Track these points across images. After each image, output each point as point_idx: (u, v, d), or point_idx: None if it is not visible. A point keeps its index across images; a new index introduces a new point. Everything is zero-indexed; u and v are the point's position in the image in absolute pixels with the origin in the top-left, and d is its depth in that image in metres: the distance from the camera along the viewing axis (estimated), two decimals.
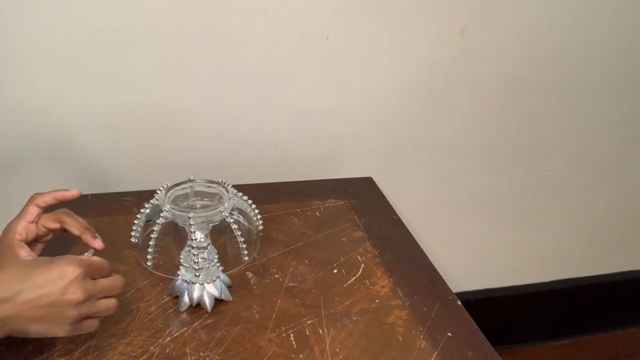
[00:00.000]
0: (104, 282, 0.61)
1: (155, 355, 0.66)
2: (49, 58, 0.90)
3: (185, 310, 0.73)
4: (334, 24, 0.99)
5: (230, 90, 1.00)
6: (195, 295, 0.73)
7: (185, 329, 0.71)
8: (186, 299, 0.73)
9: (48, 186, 0.99)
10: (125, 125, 0.99)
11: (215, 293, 0.73)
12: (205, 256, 0.72)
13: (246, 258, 0.70)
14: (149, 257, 0.68)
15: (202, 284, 0.73)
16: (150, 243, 0.68)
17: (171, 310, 0.73)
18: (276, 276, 0.81)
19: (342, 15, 0.98)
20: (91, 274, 0.60)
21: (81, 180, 1.02)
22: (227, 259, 0.74)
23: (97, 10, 0.88)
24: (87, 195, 0.96)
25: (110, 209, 0.92)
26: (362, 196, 1.03)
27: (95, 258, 0.62)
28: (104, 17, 0.88)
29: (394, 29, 1.02)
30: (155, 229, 0.68)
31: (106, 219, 0.90)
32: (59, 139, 0.97)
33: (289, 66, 1.01)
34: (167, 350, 0.67)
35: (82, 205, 0.93)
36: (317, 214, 0.96)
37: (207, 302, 0.73)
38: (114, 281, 0.62)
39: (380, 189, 1.07)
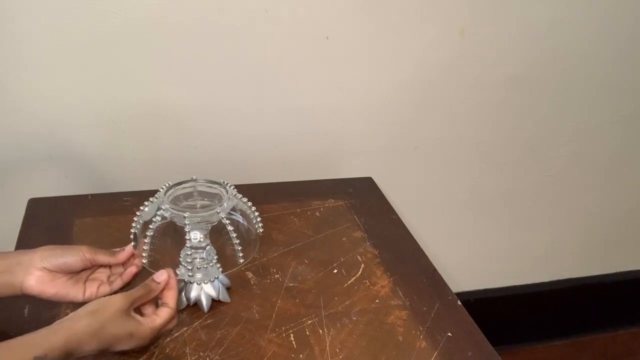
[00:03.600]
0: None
1: (155, 355, 0.66)
2: (49, 58, 0.90)
3: (185, 310, 0.73)
4: (333, 24, 0.99)
5: (230, 90, 1.00)
6: (193, 294, 0.73)
7: (185, 329, 0.71)
8: (183, 297, 0.73)
9: (48, 186, 0.99)
10: (126, 125, 0.99)
11: (213, 293, 0.73)
12: (204, 256, 0.72)
13: (241, 260, 0.70)
14: (144, 254, 0.68)
15: (200, 284, 0.73)
16: (146, 241, 0.68)
17: None
18: (276, 276, 0.81)
19: (342, 15, 0.98)
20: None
21: (81, 180, 1.02)
22: (226, 259, 0.74)
23: (97, 10, 0.88)
24: (87, 195, 0.95)
25: (110, 209, 0.92)
26: (362, 196, 1.03)
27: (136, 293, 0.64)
28: (104, 17, 0.88)
29: (394, 28, 1.02)
30: (151, 227, 0.68)
31: (106, 219, 0.90)
32: (59, 138, 0.97)
33: (288, 66, 1.01)
34: (167, 350, 0.67)
35: (82, 205, 0.93)
36: (317, 214, 0.96)
37: (204, 302, 0.73)
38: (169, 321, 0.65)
39: (380, 189, 1.07)
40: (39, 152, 0.98)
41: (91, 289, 0.68)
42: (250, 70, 0.99)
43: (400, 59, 1.05)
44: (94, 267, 0.70)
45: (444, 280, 0.83)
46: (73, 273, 0.68)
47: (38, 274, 0.65)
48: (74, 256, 0.66)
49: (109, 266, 0.71)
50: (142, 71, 0.94)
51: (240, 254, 0.70)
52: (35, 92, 0.92)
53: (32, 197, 0.93)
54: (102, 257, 0.68)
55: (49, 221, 0.88)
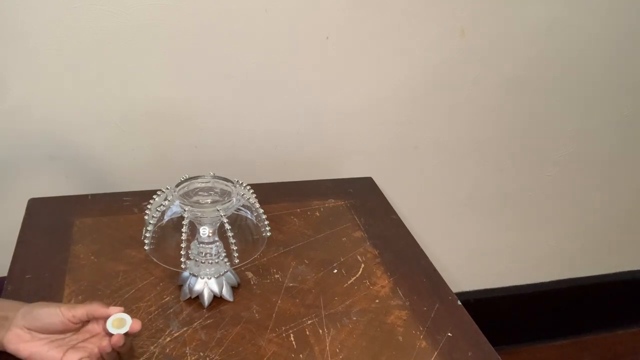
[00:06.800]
0: None
1: (155, 355, 0.66)
2: (50, 58, 0.90)
3: (185, 311, 0.73)
4: (334, 23, 0.99)
5: (230, 90, 1.00)
6: (196, 288, 0.73)
7: (185, 329, 0.71)
8: (187, 289, 0.74)
9: (48, 186, 0.99)
10: (126, 125, 0.99)
11: (216, 290, 0.74)
12: (212, 252, 0.72)
13: (237, 261, 0.71)
14: (147, 235, 0.69)
15: (204, 278, 0.73)
16: (148, 228, 0.69)
17: (171, 310, 0.73)
18: (276, 276, 0.81)
19: (342, 15, 0.98)
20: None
21: (81, 180, 1.02)
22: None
23: (98, 10, 0.88)
24: (87, 195, 0.95)
25: (110, 209, 0.92)
26: (362, 196, 1.03)
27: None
28: (105, 17, 0.88)
29: (394, 28, 1.02)
30: (154, 215, 0.69)
31: (106, 219, 0.90)
32: (59, 138, 0.97)
33: (288, 66, 1.01)
34: (167, 350, 0.67)
35: (82, 205, 0.93)
36: (317, 214, 0.96)
37: (205, 298, 0.73)
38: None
39: (380, 189, 1.07)
40: (39, 152, 0.98)
41: (71, 357, 0.60)
42: (250, 70, 0.99)
43: (400, 59, 1.05)
44: (84, 325, 0.63)
45: (444, 280, 0.83)
46: (58, 334, 0.61)
47: (17, 331, 0.60)
48: (51, 316, 0.60)
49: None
50: (142, 71, 0.94)
51: (236, 254, 0.70)
52: (35, 92, 0.92)
53: (32, 197, 0.93)
54: (81, 312, 0.60)
55: (49, 221, 0.88)
